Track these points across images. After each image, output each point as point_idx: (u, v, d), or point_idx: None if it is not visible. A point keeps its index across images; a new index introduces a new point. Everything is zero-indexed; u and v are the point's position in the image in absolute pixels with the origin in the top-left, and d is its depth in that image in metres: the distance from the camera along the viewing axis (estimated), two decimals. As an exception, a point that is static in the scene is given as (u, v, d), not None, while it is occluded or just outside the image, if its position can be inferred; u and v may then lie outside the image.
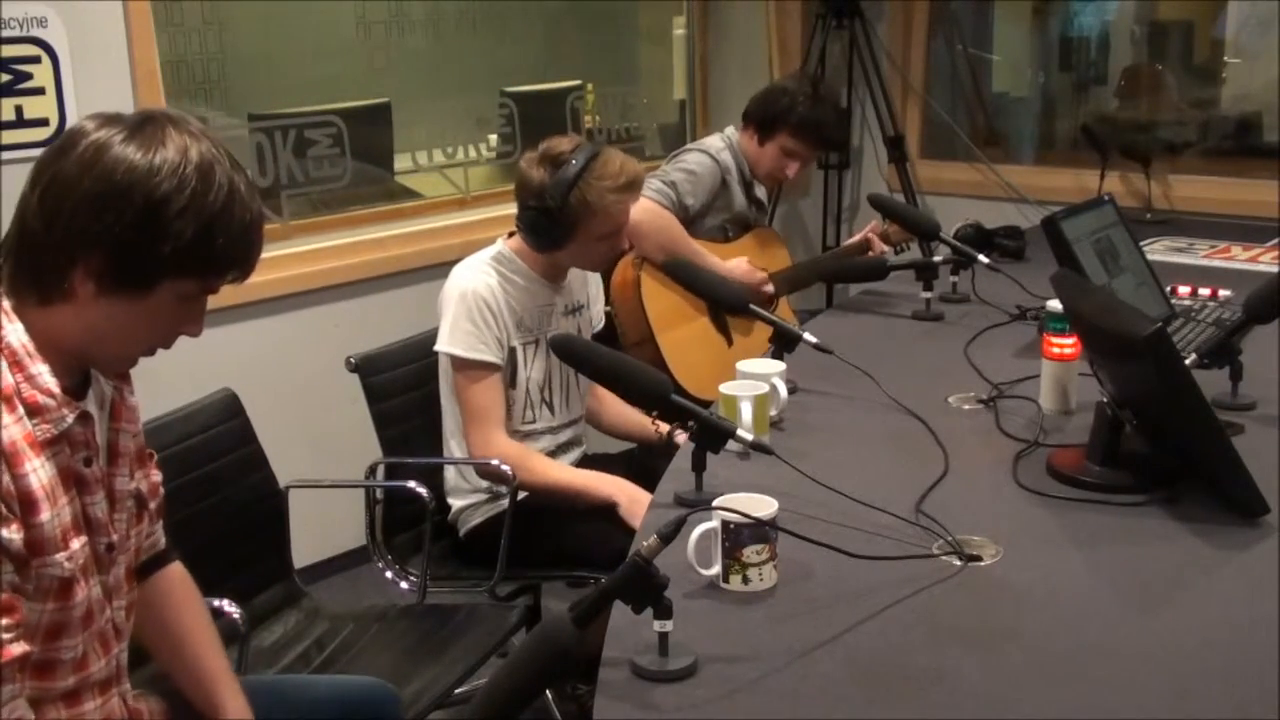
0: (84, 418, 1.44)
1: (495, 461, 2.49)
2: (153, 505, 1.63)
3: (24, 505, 1.35)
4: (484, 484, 2.57)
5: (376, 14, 3.84)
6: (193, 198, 1.35)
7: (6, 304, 1.38)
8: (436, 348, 2.51)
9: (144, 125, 1.37)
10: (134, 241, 1.34)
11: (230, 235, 1.38)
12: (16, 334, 1.37)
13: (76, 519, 1.43)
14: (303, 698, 1.87)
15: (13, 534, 1.34)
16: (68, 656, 1.45)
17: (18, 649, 1.35)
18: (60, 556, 1.39)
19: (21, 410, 1.36)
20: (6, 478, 1.33)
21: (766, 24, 4.75)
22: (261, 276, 3.39)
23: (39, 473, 1.36)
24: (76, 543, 1.42)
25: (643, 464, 2.69)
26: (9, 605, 1.35)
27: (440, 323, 2.50)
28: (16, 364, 1.36)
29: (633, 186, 2.47)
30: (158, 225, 1.34)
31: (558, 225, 2.44)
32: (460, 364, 2.49)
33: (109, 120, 1.38)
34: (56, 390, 1.39)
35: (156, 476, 1.64)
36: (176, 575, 1.74)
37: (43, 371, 1.38)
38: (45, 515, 1.37)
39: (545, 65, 4.39)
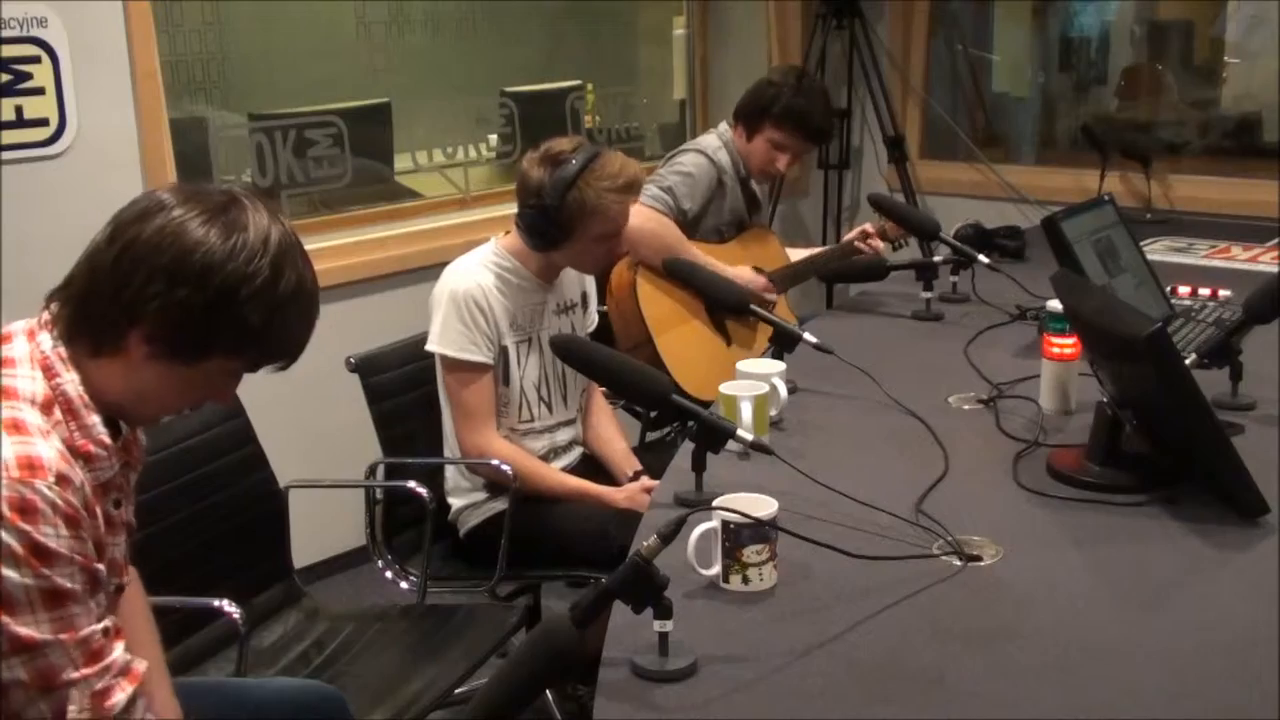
0: (125, 465, 1.48)
1: (495, 462, 2.49)
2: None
3: (97, 551, 1.38)
4: (484, 482, 2.57)
5: (376, 14, 3.84)
6: (264, 286, 1.38)
7: (64, 351, 1.40)
8: (427, 347, 2.51)
9: (227, 208, 1.39)
10: (201, 318, 1.37)
11: (290, 326, 1.42)
12: (74, 384, 1.39)
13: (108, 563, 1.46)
14: (246, 701, 1.88)
15: (102, 568, 1.38)
16: None
17: (141, 665, 1.41)
18: (102, 598, 1.42)
19: (80, 460, 1.38)
20: (92, 525, 1.36)
21: (766, 24, 4.75)
22: (261, 276, 3.43)
23: (99, 522, 1.40)
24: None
25: (642, 462, 2.69)
26: (118, 629, 1.40)
27: (431, 322, 2.51)
28: (73, 414, 1.39)
29: (631, 188, 2.47)
30: (228, 307, 1.37)
31: (555, 224, 2.44)
32: (451, 364, 2.50)
33: (191, 195, 1.40)
34: (109, 441, 1.42)
35: None
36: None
37: (97, 423, 1.41)
38: (103, 565, 1.40)
39: (545, 65, 4.39)
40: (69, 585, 1.31)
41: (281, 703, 1.89)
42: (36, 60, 2.94)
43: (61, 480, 1.31)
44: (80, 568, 1.33)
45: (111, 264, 1.37)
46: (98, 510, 1.39)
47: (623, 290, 3.09)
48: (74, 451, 1.37)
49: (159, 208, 1.38)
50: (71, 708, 1.33)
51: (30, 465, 1.29)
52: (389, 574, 2.58)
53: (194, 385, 1.44)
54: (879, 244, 3.43)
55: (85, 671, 1.34)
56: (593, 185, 2.42)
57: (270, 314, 1.39)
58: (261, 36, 3.61)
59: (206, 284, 1.36)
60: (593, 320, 2.81)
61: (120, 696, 1.37)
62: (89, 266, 1.40)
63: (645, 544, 1.38)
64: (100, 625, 1.36)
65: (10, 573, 1.27)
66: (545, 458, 2.61)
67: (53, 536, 1.29)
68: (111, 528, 1.47)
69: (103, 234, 1.40)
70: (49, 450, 1.32)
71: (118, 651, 1.38)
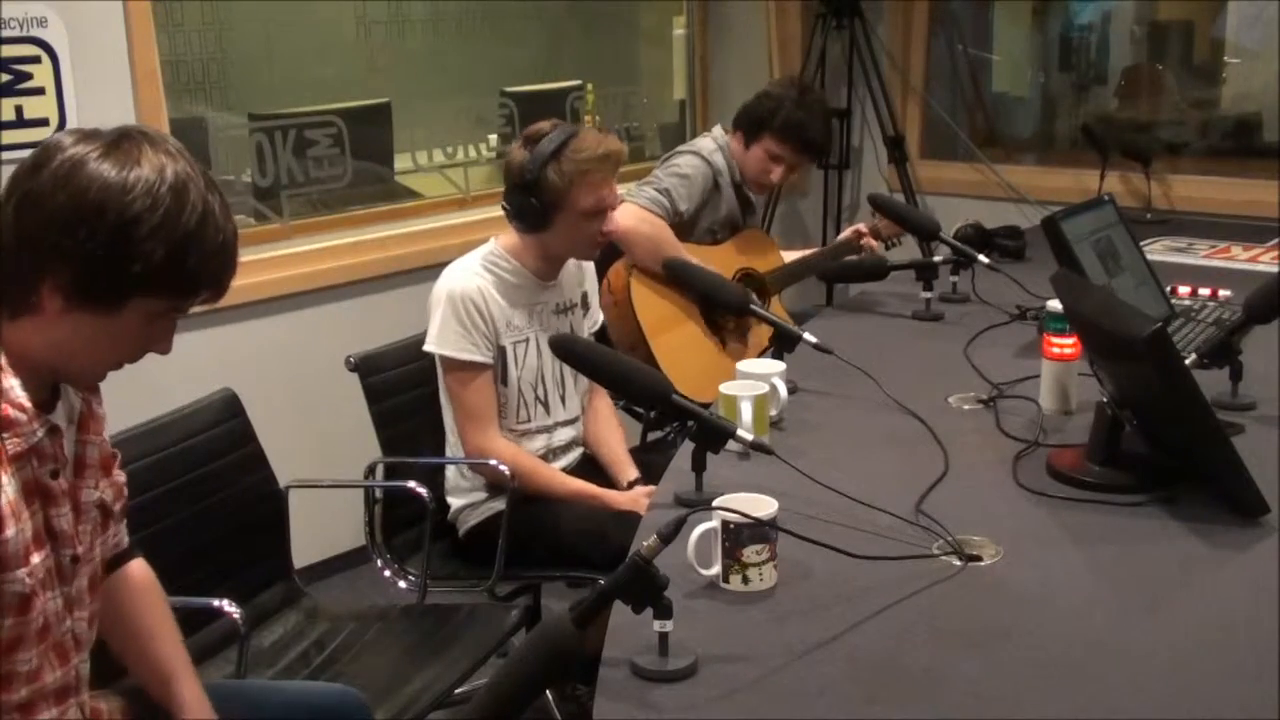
0: (53, 431, 1.43)
1: (494, 462, 2.49)
2: (117, 507, 1.62)
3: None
4: (483, 482, 2.57)
5: (376, 14, 3.84)
6: (165, 218, 1.34)
7: None
8: (425, 348, 2.52)
9: (120, 142, 1.36)
10: (104, 259, 1.33)
11: (202, 257, 1.37)
12: None
13: (39, 533, 1.42)
14: (269, 703, 1.86)
15: None
16: (23, 669, 1.44)
17: None
18: (21, 573, 1.38)
19: None
20: None
21: (766, 24, 4.75)
22: (261, 276, 3.45)
23: (5, 489, 1.36)
24: (37, 557, 1.41)
25: (642, 461, 2.68)
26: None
27: (429, 323, 2.51)
28: None
29: (610, 159, 2.47)
30: (129, 244, 1.33)
31: (538, 201, 2.44)
32: (449, 364, 2.50)
33: (85, 136, 1.37)
34: (28, 404, 1.38)
35: (120, 478, 1.62)
36: (138, 571, 1.72)
37: (14, 385, 1.37)
38: (10, 532, 1.36)
39: (545, 65, 4.39)
40: None
41: (303, 705, 1.88)
42: (36, 60, 2.94)
43: None
44: None
45: (12, 218, 1.34)
46: (4, 476, 1.35)
47: (618, 293, 3.09)
48: None
49: (51, 154, 1.35)
50: None
51: None
52: (388, 573, 2.58)
53: (122, 335, 1.40)
54: (873, 243, 3.44)
55: None
56: (570, 158, 2.43)
57: (179, 245, 1.34)
58: (261, 36, 3.62)
59: (104, 220, 1.32)
60: (595, 320, 2.80)
61: None
62: None
63: (645, 544, 1.38)
64: None
65: None
66: (544, 458, 2.60)
67: None
68: (50, 499, 1.43)
69: (1, 193, 1.37)
70: None
71: None
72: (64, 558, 1.46)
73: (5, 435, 1.36)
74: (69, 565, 1.48)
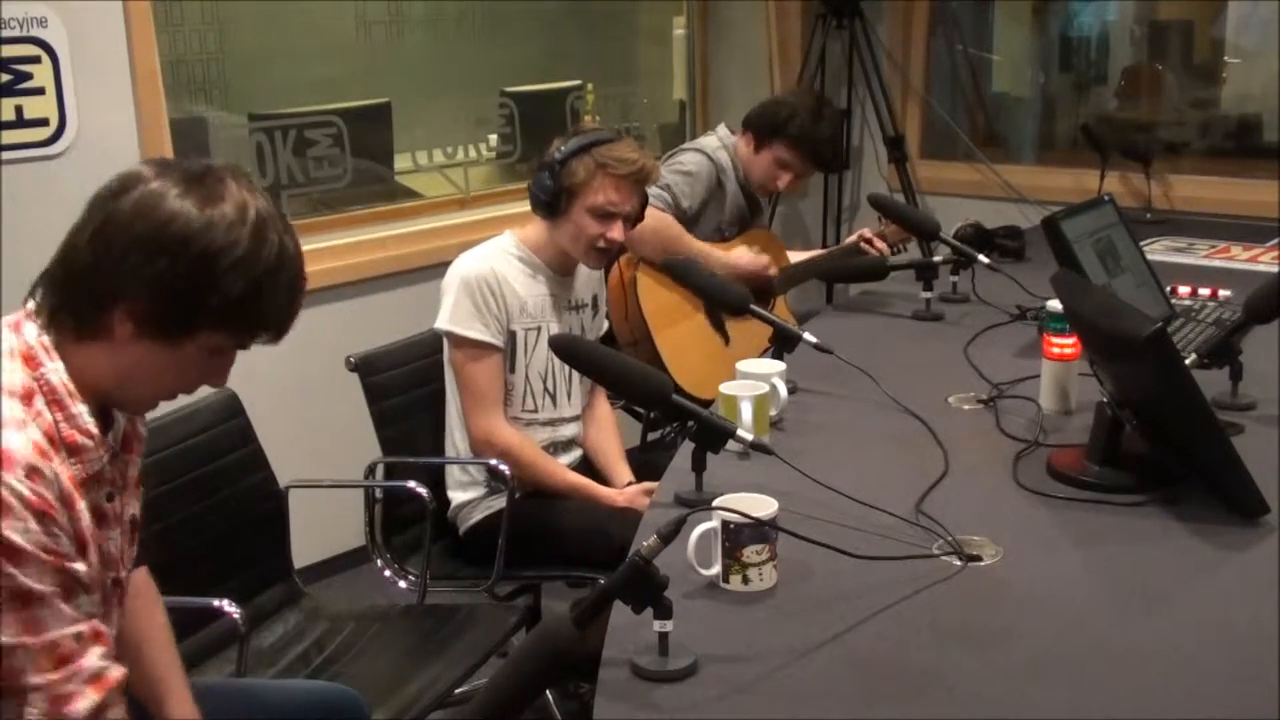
0: (115, 456, 1.45)
1: (493, 462, 2.50)
2: None
3: (79, 550, 1.36)
4: (484, 475, 2.58)
5: (376, 14, 3.83)
6: (246, 254, 1.35)
7: (47, 339, 1.38)
8: (436, 325, 2.52)
9: (203, 178, 1.37)
10: (183, 290, 1.34)
11: (275, 296, 1.39)
12: (57, 373, 1.37)
13: (101, 557, 1.44)
14: (270, 703, 1.87)
15: (82, 567, 1.35)
16: None
17: (117, 673, 1.38)
18: (90, 599, 1.39)
19: (64, 452, 1.36)
20: (66, 518, 1.33)
21: (766, 24, 4.75)
22: (261, 276, 3.43)
23: (84, 515, 1.37)
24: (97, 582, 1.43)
25: (642, 461, 2.69)
26: (97, 633, 1.36)
27: (440, 307, 2.52)
28: (57, 403, 1.36)
29: (636, 170, 2.50)
30: (209, 277, 1.34)
31: (555, 185, 2.48)
32: (459, 341, 2.51)
33: (168, 168, 1.38)
34: (95, 431, 1.40)
35: (140, 491, 1.63)
36: (140, 578, 1.72)
37: (82, 412, 1.38)
38: (93, 559, 1.38)
39: (545, 65, 4.39)
40: (36, 586, 1.28)
41: (300, 705, 1.88)
42: (36, 60, 2.94)
43: (31, 473, 1.28)
44: (52, 568, 1.30)
45: (89, 241, 1.35)
46: (79, 503, 1.36)
47: (622, 286, 3.10)
48: (58, 442, 1.35)
49: (135, 182, 1.36)
50: (31, 711, 1.31)
51: None
52: (388, 573, 2.58)
53: (184, 365, 1.41)
54: (881, 246, 3.44)
55: (50, 677, 1.31)
56: (599, 155, 2.47)
57: (252, 284, 1.36)
58: (261, 36, 3.61)
59: (185, 254, 1.33)
60: (602, 325, 2.81)
61: (82, 704, 1.33)
62: (67, 247, 1.37)
63: (645, 544, 1.38)
64: (72, 630, 1.33)
65: None
66: (547, 451, 2.61)
67: (20, 533, 1.27)
68: (104, 521, 1.44)
69: (81, 217, 1.37)
70: (19, 441, 1.29)
71: (91, 658, 1.35)
72: (108, 580, 1.47)
73: (73, 461, 1.37)
74: (112, 588, 1.49)
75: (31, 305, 1.40)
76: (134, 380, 1.41)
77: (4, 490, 1.26)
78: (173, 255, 1.33)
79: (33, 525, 1.28)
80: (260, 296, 1.37)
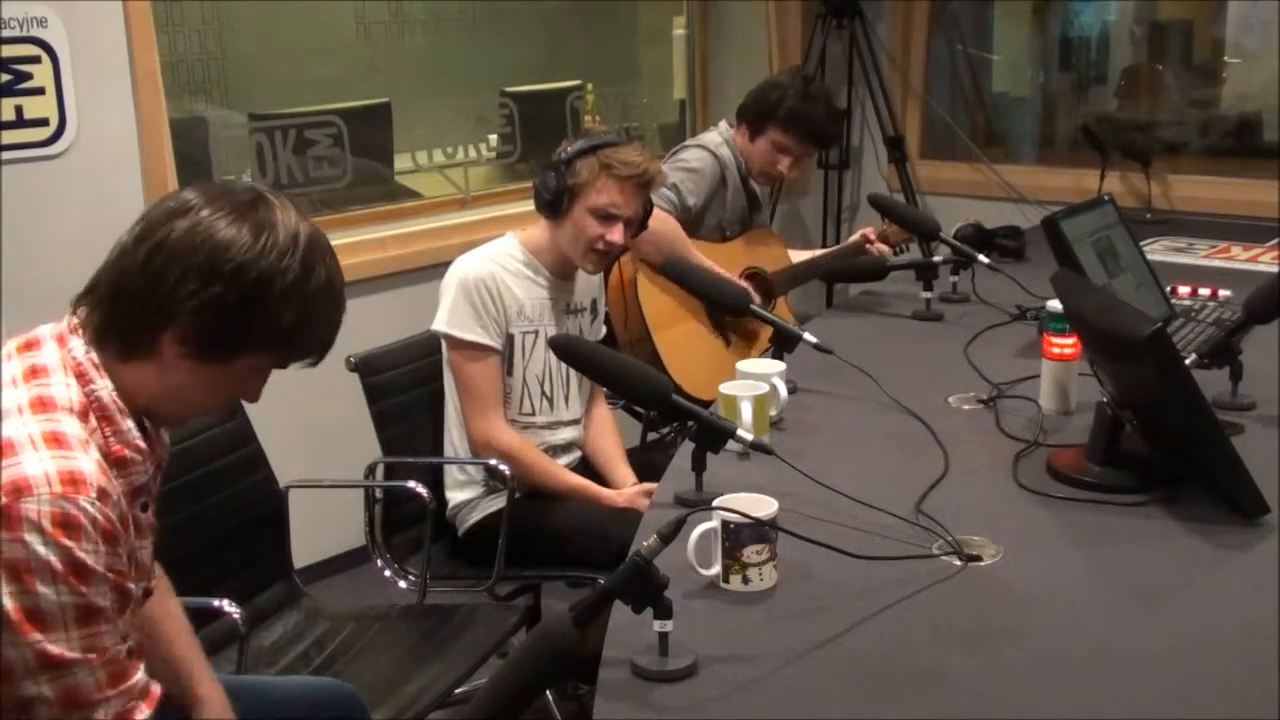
0: (158, 469, 1.48)
1: (493, 462, 2.50)
2: None
3: (130, 565, 1.39)
4: (483, 475, 2.58)
5: (376, 14, 3.83)
6: (296, 280, 1.38)
7: (96, 357, 1.40)
8: (433, 327, 2.53)
9: (255, 205, 1.40)
10: (234, 316, 1.37)
11: (321, 323, 1.43)
12: (107, 390, 1.39)
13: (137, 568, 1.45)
14: (266, 699, 1.87)
15: (133, 586, 1.39)
16: None
17: (158, 688, 1.41)
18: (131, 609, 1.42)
19: (114, 467, 1.38)
20: (124, 542, 1.35)
21: (766, 24, 4.75)
22: (261, 276, 3.43)
23: (132, 530, 1.39)
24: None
25: (642, 461, 2.69)
26: (141, 648, 1.41)
27: (439, 308, 2.52)
28: (107, 420, 1.39)
29: (640, 173, 2.51)
30: (261, 303, 1.37)
31: (559, 183, 2.49)
32: (456, 344, 2.52)
33: (217, 194, 1.40)
34: (143, 446, 1.42)
35: None
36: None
37: (131, 427, 1.41)
38: (132, 571, 1.40)
39: (545, 65, 4.39)
40: (101, 603, 1.31)
41: (298, 700, 1.89)
42: (36, 60, 2.94)
43: (102, 495, 1.31)
44: (113, 585, 1.32)
45: (142, 265, 1.37)
46: (129, 519, 1.38)
47: (622, 286, 3.10)
48: (110, 458, 1.37)
49: (186, 208, 1.38)
50: None
51: (73, 480, 1.28)
52: (388, 573, 2.57)
53: (225, 384, 1.45)
54: (883, 247, 3.44)
55: (110, 693, 1.34)
56: (604, 157, 2.48)
57: (302, 310, 1.39)
58: (261, 36, 3.61)
59: (240, 282, 1.35)
60: (600, 330, 2.81)
61: (140, 718, 1.37)
62: (117, 268, 1.39)
63: (645, 544, 1.38)
64: (125, 645, 1.36)
65: (46, 589, 1.26)
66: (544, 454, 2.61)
67: (92, 553, 1.29)
68: (140, 531, 1.47)
69: (129, 235, 1.39)
70: (90, 464, 1.31)
71: (140, 673, 1.38)
72: (139, 590, 1.48)
73: (119, 476, 1.38)
74: (141, 597, 1.51)
75: (74, 320, 1.42)
76: (176, 398, 1.44)
77: (80, 513, 1.28)
78: (228, 283, 1.35)
79: (102, 547, 1.30)
80: (308, 323, 1.41)
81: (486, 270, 2.52)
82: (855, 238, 3.50)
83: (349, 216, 3.78)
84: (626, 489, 2.54)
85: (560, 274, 2.61)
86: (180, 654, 1.71)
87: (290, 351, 1.45)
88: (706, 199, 3.26)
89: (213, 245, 1.35)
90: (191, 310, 1.36)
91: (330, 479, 2.74)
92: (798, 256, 3.55)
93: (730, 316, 3.21)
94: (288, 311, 1.38)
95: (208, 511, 2.22)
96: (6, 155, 2.86)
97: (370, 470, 2.58)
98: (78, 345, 1.39)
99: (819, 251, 3.67)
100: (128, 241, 1.39)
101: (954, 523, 1.76)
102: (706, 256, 3.13)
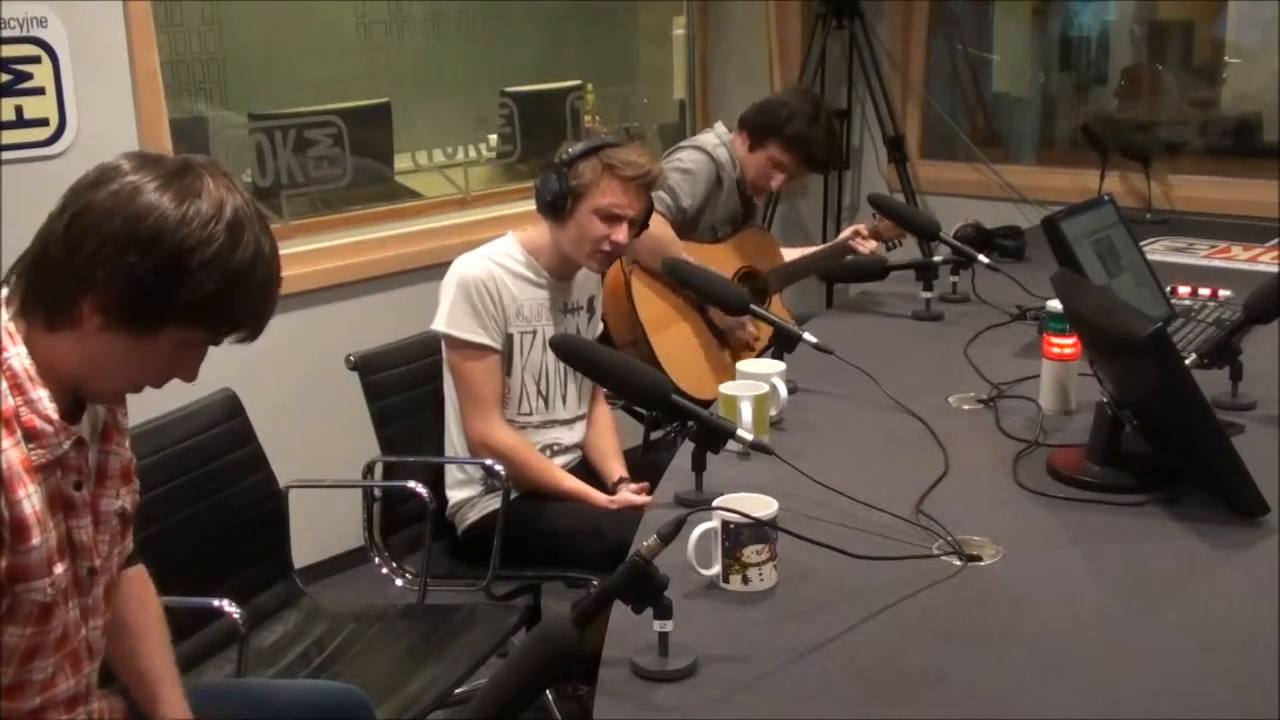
0: (79, 444, 1.44)
1: (489, 462, 2.51)
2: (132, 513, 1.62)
3: (15, 532, 1.35)
4: (481, 474, 2.58)
5: (376, 14, 3.84)
6: (219, 252, 1.34)
7: (11, 326, 1.38)
8: (433, 326, 2.53)
9: (182, 173, 1.37)
10: (152, 285, 1.33)
11: (248, 295, 1.39)
12: (19, 357, 1.37)
13: (62, 544, 1.43)
14: (273, 703, 1.86)
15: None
16: (37, 678, 1.44)
17: None
18: (44, 583, 1.39)
19: (19, 434, 1.35)
20: (3, 504, 1.32)
21: (766, 24, 4.75)
22: (261, 276, 3.43)
23: (31, 499, 1.36)
24: (60, 568, 1.42)
25: (644, 461, 2.68)
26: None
27: (438, 308, 2.52)
28: (17, 387, 1.36)
29: (643, 173, 2.51)
30: (180, 274, 1.33)
31: (562, 185, 2.49)
32: (455, 344, 2.52)
33: (147, 162, 1.38)
34: (55, 416, 1.39)
35: (136, 484, 1.62)
36: (136, 576, 1.72)
37: (43, 397, 1.38)
38: (35, 541, 1.37)
39: (545, 65, 4.39)
40: None
41: (306, 704, 1.88)
42: (36, 60, 2.94)
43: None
44: None
45: (63, 232, 1.34)
46: (24, 488, 1.35)
47: (617, 289, 3.10)
48: (15, 424, 1.34)
49: (113, 174, 1.36)
50: None
51: None
52: (386, 572, 2.57)
53: (152, 358, 1.41)
54: (872, 243, 3.44)
55: None
56: (607, 157, 2.49)
57: (225, 282, 1.35)
58: (261, 36, 3.62)
59: (157, 250, 1.32)
60: (598, 327, 2.81)
61: None
62: (41, 236, 1.37)
63: (645, 544, 1.38)
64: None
65: None
66: (542, 454, 2.60)
67: None
68: (72, 510, 1.44)
69: (57, 206, 1.37)
70: None
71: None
72: (82, 569, 1.47)
73: (31, 446, 1.36)
74: (86, 576, 1.48)
75: (4, 292, 1.40)
76: (100, 370, 1.40)
77: None
78: (144, 250, 1.32)
79: None
80: (232, 295, 1.37)
81: (486, 270, 2.52)
82: (846, 233, 3.50)
83: (349, 216, 3.78)
84: (618, 495, 2.53)
85: (559, 275, 2.61)
86: (154, 673, 1.68)
87: (216, 326, 1.40)
88: (702, 200, 3.26)
89: (131, 212, 1.32)
90: (107, 278, 1.33)
91: (330, 479, 2.74)
92: (790, 255, 3.55)
93: (730, 317, 3.20)
94: (207, 283, 1.34)
95: (207, 511, 2.22)
96: (6, 155, 2.86)
97: (368, 469, 2.58)
98: (3, 315, 1.37)
99: (811, 249, 3.67)
100: (54, 210, 1.37)
101: (954, 523, 1.76)
102: (699, 258, 3.13)
